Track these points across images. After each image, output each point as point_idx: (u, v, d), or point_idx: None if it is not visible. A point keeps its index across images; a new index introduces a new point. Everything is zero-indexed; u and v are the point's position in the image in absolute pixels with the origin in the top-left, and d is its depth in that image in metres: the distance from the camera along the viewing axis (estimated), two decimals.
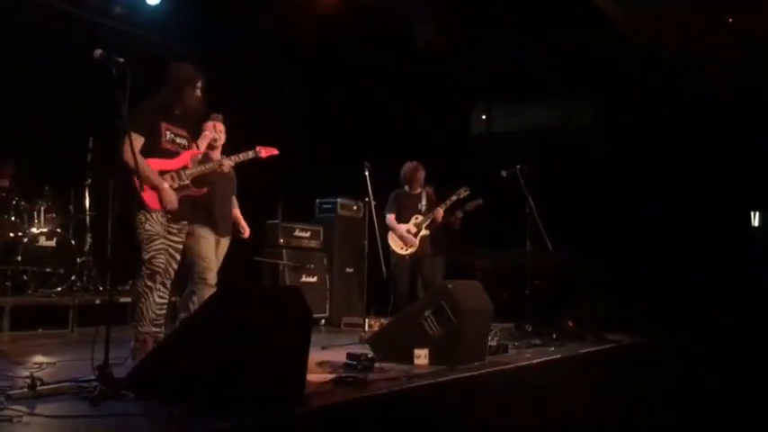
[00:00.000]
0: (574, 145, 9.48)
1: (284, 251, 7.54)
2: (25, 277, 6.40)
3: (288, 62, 8.96)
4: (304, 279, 7.62)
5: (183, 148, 4.58)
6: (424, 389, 4.07)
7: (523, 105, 10.51)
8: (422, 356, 4.73)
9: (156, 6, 7.92)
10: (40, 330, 6.18)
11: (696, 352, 6.62)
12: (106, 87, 3.70)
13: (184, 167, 4.56)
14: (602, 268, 8.09)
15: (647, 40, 8.39)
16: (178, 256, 4.61)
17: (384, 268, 6.38)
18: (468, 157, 7.98)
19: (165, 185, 4.40)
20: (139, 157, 4.19)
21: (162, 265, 4.39)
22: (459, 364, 4.68)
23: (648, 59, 8.63)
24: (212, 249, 5.20)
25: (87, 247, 7.12)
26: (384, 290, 7.01)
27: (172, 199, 4.41)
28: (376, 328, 6.51)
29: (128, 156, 4.06)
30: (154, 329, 4.44)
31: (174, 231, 4.54)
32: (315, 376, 4.01)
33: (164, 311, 4.55)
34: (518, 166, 7.03)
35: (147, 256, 4.33)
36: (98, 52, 3.67)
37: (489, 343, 5.30)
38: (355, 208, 8.47)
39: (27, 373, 3.65)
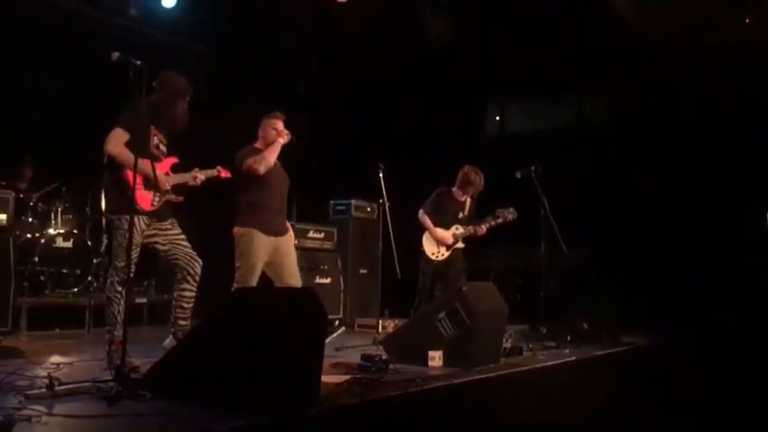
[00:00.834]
0: (588, 144, 9.44)
1: (298, 252, 7.55)
2: (42, 278, 6.47)
3: (302, 62, 8.98)
4: (318, 280, 7.63)
5: (164, 155, 4.58)
6: (439, 390, 4.07)
7: (537, 105, 10.48)
8: (436, 358, 4.73)
9: (172, 8, 7.98)
10: (57, 330, 6.25)
11: (712, 354, 6.57)
12: (122, 88, 3.75)
13: (167, 174, 4.56)
14: (617, 269, 8.04)
15: (660, 38, 8.34)
16: (188, 245, 4.56)
17: (398, 270, 6.35)
18: (482, 158, 7.95)
19: (155, 171, 4.32)
20: (122, 148, 4.20)
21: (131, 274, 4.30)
22: (473, 366, 4.67)
23: (661, 58, 8.57)
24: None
25: (103, 247, 7.18)
26: (399, 291, 6.99)
27: (163, 181, 4.42)
28: (390, 329, 6.52)
29: (111, 148, 4.13)
30: (182, 323, 4.45)
31: (167, 226, 4.50)
32: (329, 377, 4.02)
33: (191, 305, 4.53)
34: (532, 168, 7.00)
35: (120, 264, 4.23)
36: (116, 55, 3.70)
37: (504, 345, 5.28)
38: (369, 209, 8.47)
39: (45, 374, 3.71)
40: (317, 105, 9.58)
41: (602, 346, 6.37)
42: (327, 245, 8.02)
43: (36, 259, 6.43)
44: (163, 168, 4.51)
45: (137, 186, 4.11)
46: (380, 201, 6.54)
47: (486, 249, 8.02)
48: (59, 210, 6.82)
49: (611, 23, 8.16)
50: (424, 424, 3.87)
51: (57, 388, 3.35)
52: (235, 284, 4.94)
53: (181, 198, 4.61)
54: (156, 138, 4.47)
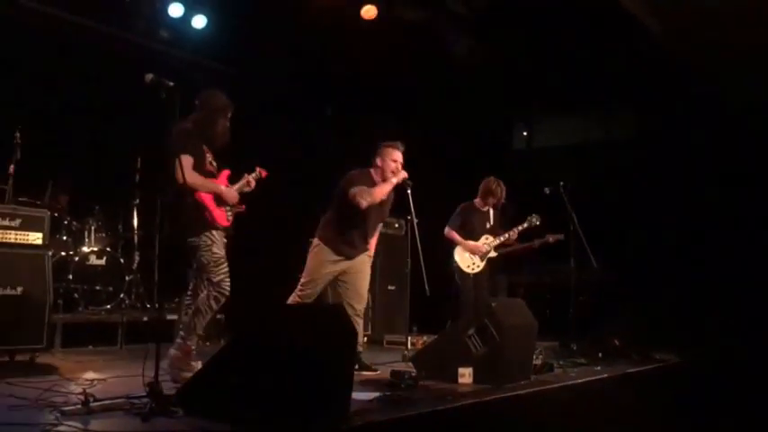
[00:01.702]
0: (616, 160, 9.37)
1: None
2: (76, 295, 6.58)
3: (327, 79, 9.06)
4: None
5: (216, 170, 4.66)
6: (469, 408, 4.04)
7: (565, 120, 10.44)
8: (466, 375, 4.71)
9: (202, 29, 8.12)
10: (90, 347, 6.32)
11: (745, 371, 6.45)
12: (154, 109, 3.82)
13: (227, 187, 4.64)
14: (648, 285, 7.95)
15: (687, 53, 8.27)
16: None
17: (427, 286, 6.34)
18: (510, 173, 7.94)
19: (223, 187, 4.53)
20: (195, 174, 4.32)
21: (229, 289, 4.45)
22: (503, 383, 4.64)
23: (690, 74, 8.51)
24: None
25: (135, 265, 7.29)
26: (427, 308, 6.97)
27: (233, 195, 4.55)
28: (419, 346, 6.50)
29: (188, 177, 4.22)
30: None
31: (225, 241, 4.57)
32: (359, 394, 4.01)
33: None
34: (561, 183, 6.97)
35: (216, 279, 4.38)
36: (149, 77, 3.78)
37: (534, 361, 5.25)
38: (397, 226, 8.48)
39: (80, 390, 3.76)
40: (344, 122, 9.66)
41: (634, 362, 6.29)
42: None
43: (70, 277, 6.54)
44: (222, 183, 4.61)
45: (211, 206, 4.30)
46: (408, 217, 6.54)
47: (516, 265, 7.98)
48: (93, 228, 6.94)
49: (637, 37, 8.12)
50: None
51: (92, 404, 3.40)
52: (295, 293, 5.01)
53: (242, 207, 4.70)
54: (208, 155, 4.57)
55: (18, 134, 5.60)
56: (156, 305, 6.78)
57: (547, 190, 7.04)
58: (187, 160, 4.28)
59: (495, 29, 8.43)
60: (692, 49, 8.25)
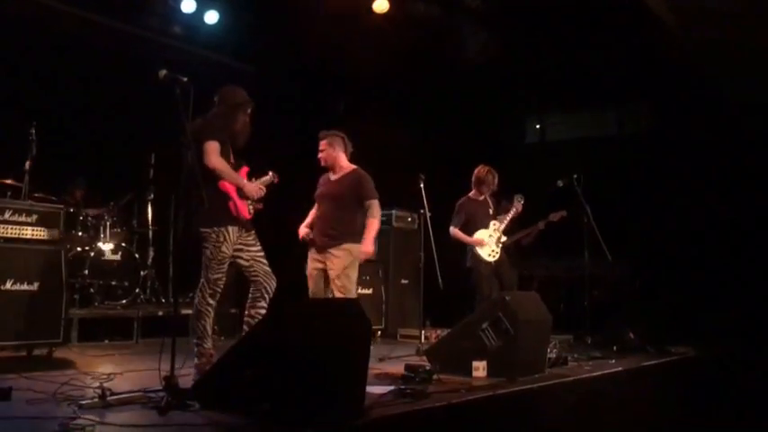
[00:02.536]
0: (630, 153, 9.31)
1: None
2: (92, 290, 6.63)
3: (341, 74, 9.06)
4: (360, 291, 7.63)
5: (234, 167, 4.59)
6: (483, 401, 4.05)
7: (578, 114, 10.38)
8: (480, 368, 4.71)
9: (215, 25, 8.13)
10: (106, 341, 6.38)
11: (763, 365, 6.40)
12: (167, 105, 3.83)
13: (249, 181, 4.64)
14: (663, 278, 7.91)
15: (703, 45, 8.20)
16: (266, 263, 4.61)
17: (440, 280, 6.35)
18: (524, 167, 7.92)
19: (245, 181, 4.49)
20: (222, 160, 4.29)
21: (222, 287, 4.44)
22: (517, 377, 4.64)
23: (703, 67, 8.43)
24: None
25: (150, 260, 7.34)
26: (441, 301, 6.98)
27: (255, 188, 4.51)
28: (433, 339, 6.50)
29: (215, 160, 4.21)
30: None
31: (252, 242, 4.55)
32: (374, 388, 4.03)
33: None
34: (575, 176, 6.95)
35: (213, 277, 4.34)
36: (163, 73, 3.79)
37: (548, 355, 5.24)
38: (410, 219, 8.48)
39: (97, 384, 3.80)
40: (356, 117, 9.65)
41: (649, 356, 6.27)
42: None
43: (86, 272, 6.60)
44: (243, 177, 4.58)
45: (235, 196, 4.28)
46: (421, 211, 6.55)
47: (529, 258, 7.96)
48: (108, 223, 6.98)
49: (651, 29, 8.06)
50: None
51: (109, 398, 3.44)
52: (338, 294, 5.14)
53: (260, 206, 4.70)
54: (230, 151, 4.54)
55: (33, 131, 5.65)
56: (172, 299, 6.83)
57: (560, 183, 7.02)
58: (214, 145, 4.25)
59: (509, 23, 8.39)
60: (707, 41, 8.17)
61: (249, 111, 4.60)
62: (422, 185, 6.48)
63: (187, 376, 3.94)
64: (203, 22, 8.08)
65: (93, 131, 7.34)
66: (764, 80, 8.22)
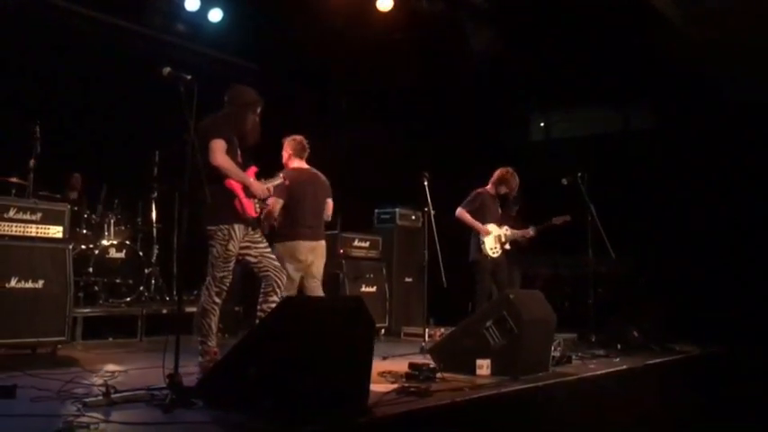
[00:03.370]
0: (634, 150, 9.28)
1: (343, 261, 7.61)
2: (96, 288, 6.63)
3: (345, 72, 9.05)
4: (364, 289, 7.66)
5: (241, 166, 4.58)
6: (487, 399, 4.05)
7: (583, 111, 10.36)
8: (484, 367, 4.70)
9: (218, 23, 8.14)
10: (110, 339, 6.38)
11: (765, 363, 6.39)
12: (171, 102, 3.83)
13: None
14: (667, 276, 7.89)
15: (707, 42, 8.17)
16: (274, 257, 4.63)
17: (444, 278, 6.35)
18: (528, 165, 7.89)
19: (252, 179, 4.47)
20: (227, 158, 4.28)
21: (228, 285, 4.44)
22: (521, 375, 4.63)
23: (708, 66, 8.40)
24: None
25: (154, 258, 7.34)
26: (444, 299, 6.97)
27: (261, 188, 4.50)
28: (436, 337, 6.50)
29: (220, 158, 4.21)
30: None
31: (259, 239, 4.56)
32: (377, 386, 4.03)
33: None
34: (579, 174, 6.93)
35: (219, 275, 4.35)
36: (167, 70, 3.79)
37: (552, 353, 5.22)
38: (414, 218, 8.48)
39: (101, 382, 3.81)
40: (360, 115, 9.65)
41: (654, 354, 6.26)
42: (372, 253, 8.04)
43: (90, 270, 6.60)
44: (251, 177, 4.56)
45: (241, 195, 4.28)
46: (425, 209, 6.54)
47: (533, 257, 7.95)
48: (112, 221, 6.99)
49: (656, 26, 8.04)
50: None
51: (113, 396, 3.44)
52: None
53: (268, 206, 4.68)
54: (238, 150, 4.52)
55: (38, 129, 5.66)
56: (176, 297, 6.83)
57: (565, 181, 7.00)
58: (220, 144, 4.25)
59: (513, 20, 8.37)
60: (711, 39, 8.15)
61: (258, 110, 4.58)
62: (426, 183, 6.48)
63: (191, 374, 3.94)
64: (207, 20, 8.09)
65: (97, 129, 7.35)
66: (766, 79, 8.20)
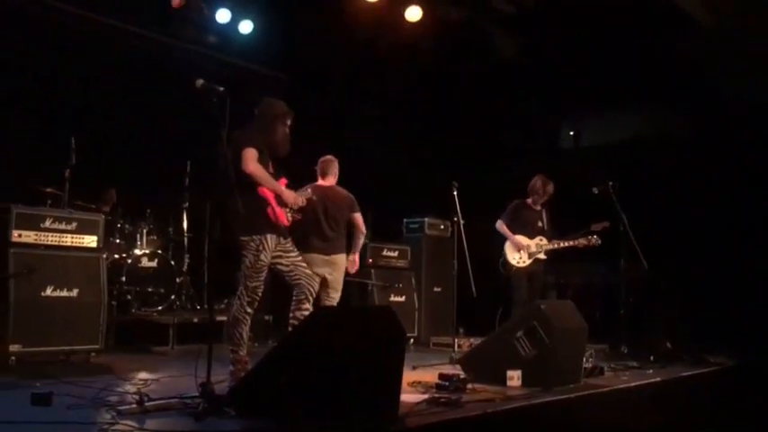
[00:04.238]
0: (667, 158, 9.16)
1: (372, 271, 7.61)
2: (129, 297, 6.71)
3: (373, 82, 9.08)
4: (392, 298, 7.64)
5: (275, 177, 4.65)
6: (519, 411, 4.02)
7: (613, 118, 10.26)
8: (515, 378, 4.67)
9: (249, 34, 8.23)
10: (142, 347, 6.44)
11: None
12: (203, 114, 3.87)
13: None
14: (700, 286, 7.76)
15: (738, 46, 8.04)
16: (305, 266, 4.67)
17: (473, 288, 6.32)
18: (558, 173, 7.84)
19: (284, 188, 4.50)
20: (259, 166, 4.32)
21: (260, 295, 4.48)
22: (553, 386, 4.59)
23: (740, 66, 8.26)
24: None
25: (185, 267, 7.42)
26: (473, 309, 6.93)
27: (294, 196, 4.53)
28: (466, 348, 6.47)
29: (252, 166, 4.25)
30: None
31: (290, 248, 4.59)
32: (408, 396, 4.02)
33: None
34: (610, 183, 6.86)
35: (252, 285, 4.38)
36: (200, 82, 3.84)
37: (584, 364, 5.17)
38: (442, 227, 8.46)
39: (134, 389, 3.85)
40: (389, 125, 9.67)
41: (687, 366, 6.15)
42: (401, 263, 8.03)
43: (123, 279, 6.68)
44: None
45: (273, 203, 4.33)
46: (454, 218, 6.53)
47: (565, 266, 7.87)
48: (144, 231, 7.08)
49: (688, 32, 7.95)
50: None
51: (146, 404, 3.48)
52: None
53: (300, 216, 4.72)
54: (269, 161, 4.56)
55: (73, 140, 5.76)
56: (207, 306, 6.89)
57: (595, 190, 6.93)
58: (252, 152, 4.30)
59: (542, 27, 8.34)
60: (743, 41, 8.02)
61: (289, 122, 4.62)
62: (455, 193, 6.47)
63: (222, 383, 3.97)
64: (238, 32, 8.18)
65: (129, 140, 7.45)
66: None
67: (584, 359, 5.21)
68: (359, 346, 3.44)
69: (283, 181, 4.63)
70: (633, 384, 5.10)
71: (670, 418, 5.11)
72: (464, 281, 6.46)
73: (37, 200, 5.90)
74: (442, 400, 3.98)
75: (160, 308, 6.89)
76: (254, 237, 4.36)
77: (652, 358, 6.29)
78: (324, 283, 5.54)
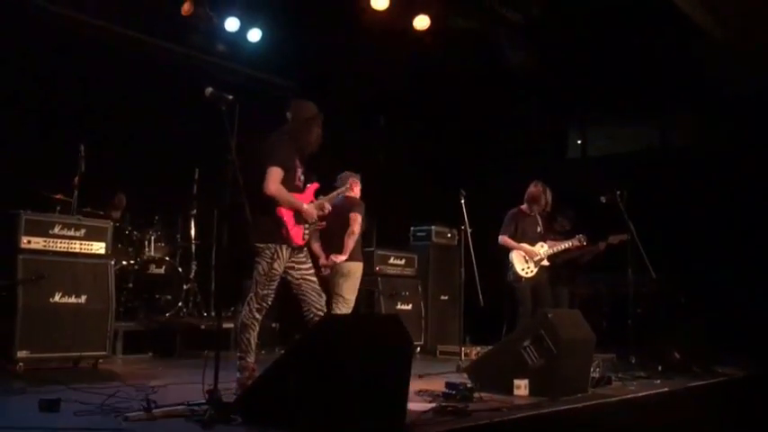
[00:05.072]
0: (674, 167, 9.14)
1: (379, 279, 7.61)
2: (136, 303, 6.74)
3: (383, 91, 9.11)
4: (399, 307, 7.64)
5: (303, 184, 4.64)
6: (526, 420, 4.00)
7: (620, 127, 10.25)
8: (522, 387, 4.65)
9: (258, 43, 8.27)
10: (150, 354, 6.46)
11: None
12: (212, 121, 3.89)
13: (311, 203, 4.65)
14: (708, 295, 7.72)
15: (745, 54, 8.03)
16: (316, 280, 4.65)
17: (480, 296, 6.30)
18: (565, 182, 7.81)
19: (304, 205, 4.50)
20: (281, 188, 4.33)
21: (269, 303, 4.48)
22: (560, 396, 4.57)
23: (746, 74, 8.25)
24: None
25: (192, 274, 7.43)
26: (480, 318, 6.92)
27: (312, 212, 4.53)
28: (472, 356, 6.46)
29: (274, 188, 4.27)
30: None
31: (303, 259, 4.58)
32: (415, 404, 4.01)
33: None
34: (617, 192, 6.84)
35: (262, 292, 4.37)
36: (209, 90, 3.85)
37: (592, 374, 5.15)
38: (449, 235, 8.45)
39: (142, 396, 3.85)
40: (397, 133, 9.69)
41: (696, 376, 6.12)
42: (408, 271, 8.03)
43: (131, 285, 6.71)
44: (307, 198, 4.61)
45: (290, 224, 4.35)
46: (461, 227, 6.52)
47: (571, 275, 7.86)
48: (152, 238, 7.11)
49: (694, 39, 7.94)
50: None
51: (154, 410, 3.48)
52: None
53: (323, 224, 4.73)
54: (299, 169, 4.57)
55: (82, 147, 5.80)
56: (214, 313, 6.90)
57: (603, 199, 6.91)
58: (276, 173, 4.32)
59: (549, 36, 8.36)
60: (749, 48, 8.01)
61: (320, 122, 4.63)
62: (462, 201, 6.46)
63: (230, 390, 3.97)
64: (247, 41, 8.22)
65: (138, 147, 7.49)
66: None
67: (592, 369, 5.19)
68: (366, 355, 3.43)
69: (314, 186, 4.66)
70: (641, 394, 5.08)
71: (678, 429, 5.08)
72: (471, 289, 6.45)
73: (46, 206, 5.94)
74: (449, 408, 3.97)
75: (167, 314, 6.90)
76: (270, 245, 4.36)
77: (660, 368, 6.25)
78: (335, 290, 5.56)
